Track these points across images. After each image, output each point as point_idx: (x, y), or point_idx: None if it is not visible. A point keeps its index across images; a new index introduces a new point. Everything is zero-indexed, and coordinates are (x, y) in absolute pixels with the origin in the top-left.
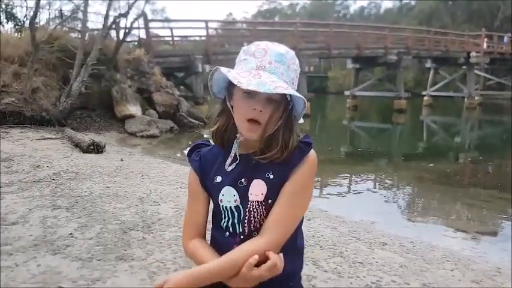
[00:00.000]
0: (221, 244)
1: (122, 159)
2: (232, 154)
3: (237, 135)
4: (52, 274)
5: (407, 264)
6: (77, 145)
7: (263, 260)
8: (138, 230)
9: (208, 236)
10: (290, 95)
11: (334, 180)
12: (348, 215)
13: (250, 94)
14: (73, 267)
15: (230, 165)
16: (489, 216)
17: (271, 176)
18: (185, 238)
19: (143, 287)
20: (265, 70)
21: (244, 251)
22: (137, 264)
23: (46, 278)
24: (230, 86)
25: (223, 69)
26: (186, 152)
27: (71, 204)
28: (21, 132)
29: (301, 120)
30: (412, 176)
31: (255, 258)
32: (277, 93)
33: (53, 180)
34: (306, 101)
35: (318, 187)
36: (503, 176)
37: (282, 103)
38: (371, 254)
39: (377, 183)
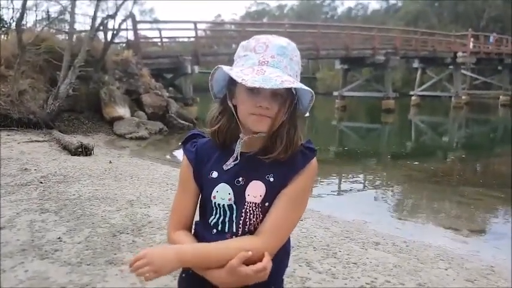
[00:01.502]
0: (206, 241)
1: (110, 162)
2: (234, 155)
3: (240, 135)
4: (40, 279)
5: (401, 264)
6: (65, 148)
7: (253, 261)
8: (128, 233)
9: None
10: (295, 88)
11: (325, 180)
12: (340, 215)
13: (254, 91)
14: (62, 272)
15: (229, 164)
16: (479, 214)
17: (272, 179)
18: (171, 228)
19: None
20: (268, 65)
21: (241, 245)
22: (127, 268)
23: (34, 283)
24: (231, 84)
25: (225, 68)
26: (179, 150)
27: (59, 208)
28: (8, 135)
29: (307, 114)
30: (401, 175)
31: (249, 253)
32: (284, 88)
33: (40, 184)
34: (313, 94)
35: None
36: (491, 174)
37: (287, 97)
38: (364, 254)
39: (367, 183)
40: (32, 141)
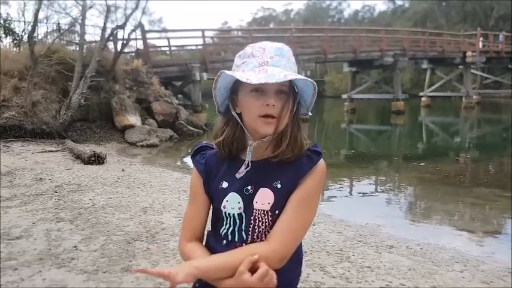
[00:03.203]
0: (217, 252)
1: (123, 170)
2: (246, 162)
3: (249, 142)
4: None
5: (415, 267)
6: (78, 157)
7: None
8: (142, 241)
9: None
10: (296, 87)
11: (336, 184)
12: (352, 218)
13: (259, 91)
14: (79, 280)
15: (242, 172)
16: (493, 215)
17: (279, 185)
18: (182, 240)
19: None
20: (269, 65)
21: (250, 252)
22: (143, 275)
23: None
24: (232, 93)
25: (229, 72)
26: (189, 156)
27: (74, 217)
28: (22, 146)
29: (309, 113)
30: (413, 177)
31: (256, 257)
32: (289, 82)
33: (55, 193)
34: (315, 86)
35: (321, 192)
36: (505, 174)
37: (290, 94)
38: (378, 257)
39: (379, 186)
40: (45, 151)
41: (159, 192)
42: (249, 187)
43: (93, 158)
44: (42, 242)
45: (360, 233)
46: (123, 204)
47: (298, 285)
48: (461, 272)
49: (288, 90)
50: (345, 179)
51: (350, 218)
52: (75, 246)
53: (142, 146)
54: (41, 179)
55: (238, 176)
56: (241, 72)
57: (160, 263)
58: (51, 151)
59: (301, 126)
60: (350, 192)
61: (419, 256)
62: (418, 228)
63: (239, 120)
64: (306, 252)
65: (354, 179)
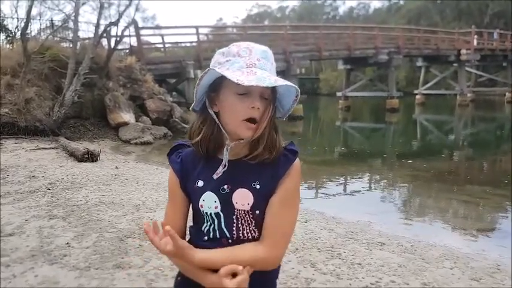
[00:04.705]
0: (198, 247)
1: (116, 167)
2: (223, 162)
3: (227, 142)
4: (50, 284)
5: (406, 264)
6: (72, 154)
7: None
8: (134, 238)
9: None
10: (277, 92)
11: (329, 181)
12: (344, 215)
13: (244, 94)
14: (71, 276)
15: (220, 173)
16: (486, 212)
17: (258, 186)
18: None
19: None
20: (256, 67)
21: (248, 255)
22: (135, 271)
23: None
24: (211, 91)
25: (218, 70)
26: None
27: (67, 214)
28: (16, 143)
29: (284, 118)
30: (406, 175)
31: (240, 268)
32: (272, 86)
33: (48, 190)
34: (298, 92)
35: (314, 188)
36: (498, 172)
37: (271, 100)
38: (369, 254)
39: (372, 183)
40: (39, 149)
41: (152, 189)
42: (225, 186)
43: (86, 156)
44: (35, 238)
45: (351, 230)
46: (116, 201)
47: (289, 282)
48: (451, 269)
49: (270, 96)
50: (338, 176)
51: (342, 215)
52: (67, 243)
53: (136, 144)
54: (34, 176)
55: (215, 176)
56: (228, 72)
57: (153, 260)
58: (45, 148)
59: (278, 129)
60: (343, 190)
61: (410, 253)
62: (409, 226)
63: (216, 120)
64: (297, 249)
65: (347, 177)
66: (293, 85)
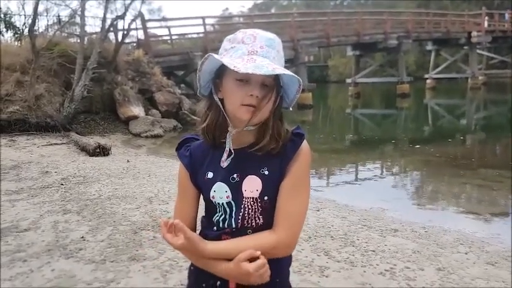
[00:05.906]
0: (208, 238)
1: (128, 161)
2: (226, 149)
3: (229, 128)
4: (67, 278)
5: (420, 249)
6: (83, 149)
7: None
8: (148, 230)
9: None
10: (281, 81)
11: (341, 169)
12: (356, 203)
13: (244, 81)
14: (87, 270)
15: (225, 161)
16: (499, 196)
17: (266, 172)
18: None
19: (157, 287)
20: (258, 54)
21: (258, 243)
22: (150, 263)
23: (61, 282)
24: (216, 77)
25: (217, 56)
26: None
27: (81, 208)
28: (28, 140)
29: (291, 108)
30: (419, 161)
31: (258, 253)
32: (274, 75)
33: (61, 185)
34: (301, 83)
35: (325, 177)
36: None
37: (274, 88)
38: (383, 241)
39: (384, 170)
40: (50, 145)
41: (164, 182)
42: (235, 175)
43: (98, 150)
44: (50, 233)
45: (364, 218)
46: (128, 194)
47: (303, 270)
48: (466, 253)
49: (272, 84)
50: (350, 164)
51: (354, 202)
52: (82, 237)
53: (146, 137)
54: (47, 172)
55: (222, 165)
56: (229, 58)
57: (167, 252)
58: (56, 144)
59: (283, 119)
60: (355, 178)
61: (424, 239)
62: (423, 212)
63: (220, 106)
64: (310, 237)
65: (358, 164)
66: (294, 75)
